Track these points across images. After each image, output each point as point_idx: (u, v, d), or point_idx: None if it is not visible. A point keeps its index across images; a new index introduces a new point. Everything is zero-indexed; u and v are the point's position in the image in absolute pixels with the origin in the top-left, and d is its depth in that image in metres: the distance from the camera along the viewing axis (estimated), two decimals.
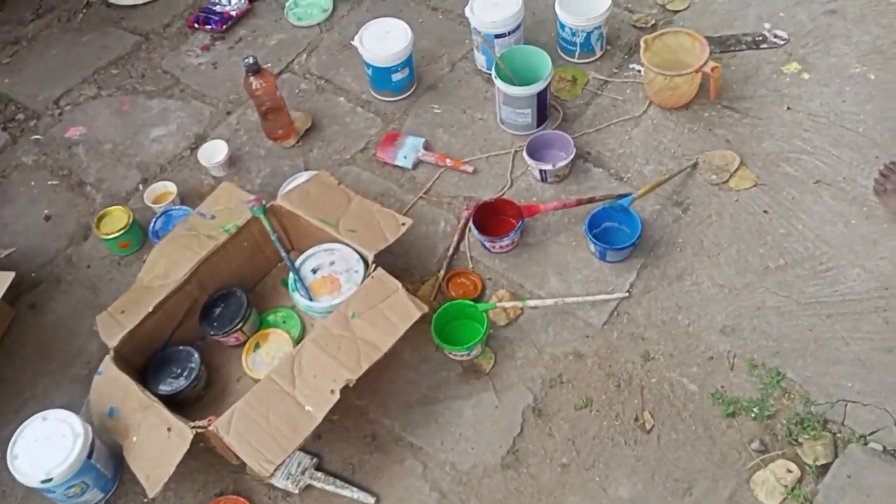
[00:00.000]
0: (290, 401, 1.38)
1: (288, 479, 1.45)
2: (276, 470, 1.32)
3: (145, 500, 1.49)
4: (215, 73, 2.21)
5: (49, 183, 2.04)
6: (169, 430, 1.38)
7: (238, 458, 1.47)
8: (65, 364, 1.70)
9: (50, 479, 1.35)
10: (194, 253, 1.61)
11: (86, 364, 1.69)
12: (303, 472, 1.46)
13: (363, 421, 1.52)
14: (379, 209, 1.65)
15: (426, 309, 1.46)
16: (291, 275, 1.58)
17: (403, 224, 1.61)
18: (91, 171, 2.04)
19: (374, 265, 1.54)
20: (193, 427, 1.37)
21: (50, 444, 1.39)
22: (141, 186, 1.99)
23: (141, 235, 1.87)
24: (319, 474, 1.45)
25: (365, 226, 1.61)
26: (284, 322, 1.67)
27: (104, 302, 1.77)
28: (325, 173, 1.75)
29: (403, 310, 1.46)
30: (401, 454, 1.47)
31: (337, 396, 1.37)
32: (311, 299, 1.53)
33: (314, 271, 1.59)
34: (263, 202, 1.66)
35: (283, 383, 1.40)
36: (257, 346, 1.64)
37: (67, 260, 1.87)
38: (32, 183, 2.04)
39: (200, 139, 2.06)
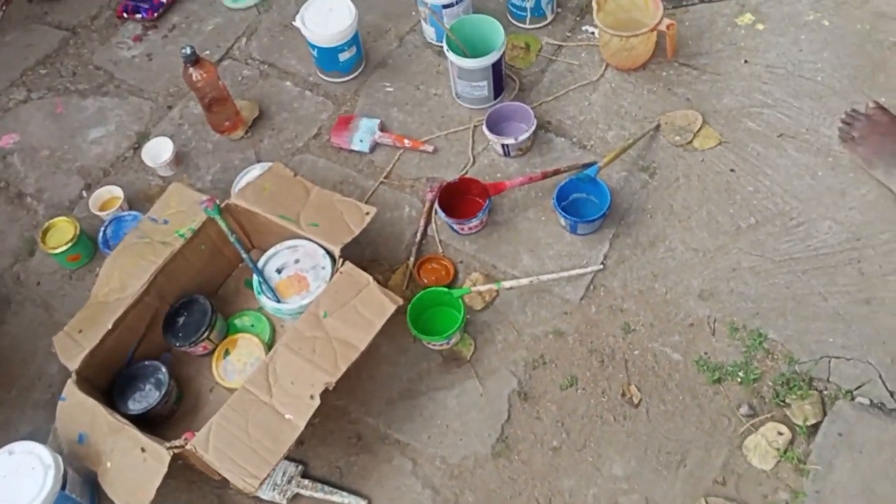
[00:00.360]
0: (269, 410, 1.33)
1: (274, 489, 1.41)
2: (261, 484, 1.27)
3: None
4: (151, 66, 2.10)
5: None
6: (144, 451, 1.32)
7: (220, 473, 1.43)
8: (24, 389, 1.62)
9: None
10: (150, 262, 1.53)
11: (47, 388, 1.62)
12: (289, 482, 1.41)
13: (346, 422, 1.48)
14: (340, 199, 1.59)
15: (400, 301, 1.41)
16: (255, 277, 1.51)
17: (367, 213, 1.55)
18: (29, 181, 1.93)
19: (341, 259, 1.48)
20: (170, 448, 1.31)
21: (20, 479, 1.32)
22: (84, 193, 1.89)
23: (90, 246, 1.78)
24: (306, 482, 1.41)
25: (327, 218, 1.55)
26: (253, 326, 1.61)
27: (59, 320, 1.69)
28: (278, 165, 1.67)
29: (377, 304, 1.41)
30: (388, 453, 1.44)
31: (317, 402, 1.32)
32: (278, 301, 1.47)
33: (279, 271, 1.52)
34: (217, 202, 1.58)
35: (260, 393, 1.35)
36: (227, 353, 1.58)
37: (15, 278, 1.78)
38: None
39: (143, 137, 1.96)
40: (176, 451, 1.31)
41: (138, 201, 1.84)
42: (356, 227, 1.53)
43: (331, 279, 1.47)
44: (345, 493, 1.39)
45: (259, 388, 1.35)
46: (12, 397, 1.61)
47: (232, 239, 1.55)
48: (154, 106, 2.02)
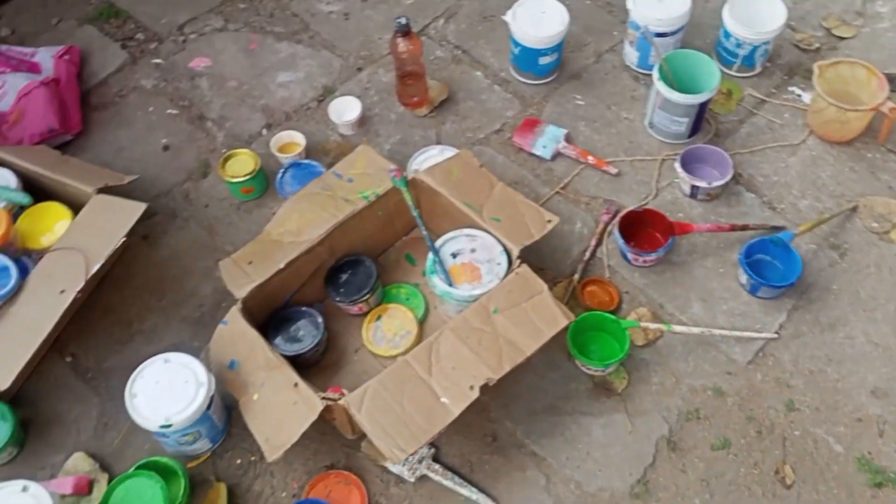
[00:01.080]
0: (426, 389, 1.32)
1: (404, 465, 1.40)
2: (407, 458, 1.26)
3: (252, 457, 1.44)
4: (347, 25, 2.13)
5: (168, 112, 1.97)
6: (297, 395, 1.33)
7: (354, 433, 1.43)
8: (175, 303, 1.65)
9: (169, 426, 1.30)
10: (330, 215, 1.54)
11: (197, 307, 1.64)
12: (420, 461, 1.40)
13: (484, 419, 1.46)
14: (523, 200, 1.58)
15: (573, 318, 1.39)
16: (430, 255, 1.51)
17: (549, 221, 1.53)
18: (214, 107, 1.97)
19: (518, 260, 1.47)
20: (324, 398, 1.31)
21: (172, 388, 1.34)
22: (264, 131, 1.92)
23: (264, 183, 1.80)
24: (437, 466, 1.40)
25: (509, 217, 1.54)
26: (408, 299, 1.61)
27: (220, 245, 1.72)
28: (468, 153, 1.67)
29: (549, 315, 1.39)
30: (522, 462, 1.41)
31: (476, 394, 1.31)
32: (450, 284, 1.46)
33: (454, 256, 1.52)
34: (405, 173, 1.59)
35: (420, 369, 1.34)
36: (379, 319, 1.58)
37: (184, 195, 1.82)
38: (151, 108, 1.98)
39: (328, 91, 1.99)
40: (329, 402, 1.31)
41: (314, 152, 1.86)
42: (536, 233, 1.51)
43: (504, 277, 1.45)
44: (474, 489, 1.37)
45: (420, 365, 1.34)
46: (162, 306, 1.64)
47: (415, 213, 1.55)
48: (344, 64, 2.04)
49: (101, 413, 1.50)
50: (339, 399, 1.32)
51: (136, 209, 1.50)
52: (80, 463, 1.43)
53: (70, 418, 1.50)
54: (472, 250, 1.51)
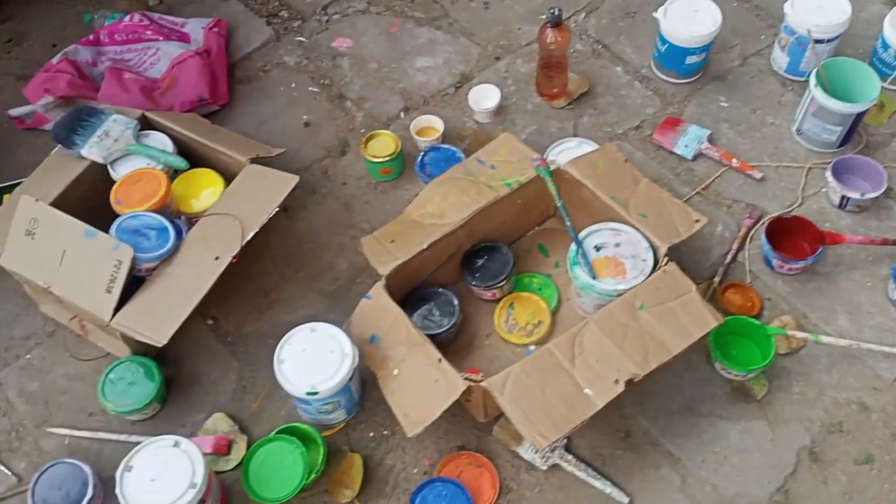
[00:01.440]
0: (568, 379, 1.32)
1: (536, 452, 1.40)
2: (550, 444, 1.26)
3: (385, 431, 1.47)
4: (486, 14, 2.14)
5: (309, 89, 2.01)
6: (439, 373, 1.34)
7: (486, 417, 1.44)
8: (312, 276, 1.68)
9: (315, 393, 1.33)
10: (472, 200, 1.55)
11: (333, 281, 1.68)
12: (552, 450, 1.40)
13: (617, 414, 1.45)
14: (669, 198, 1.56)
15: (721, 320, 1.37)
16: (573, 247, 1.50)
17: (697, 221, 1.51)
18: (354, 87, 2.01)
19: (666, 258, 1.45)
20: (466, 378, 1.32)
21: (318, 357, 1.37)
22: (402, 114, 1.95)
23: (402, 164, 1.83)
24: (570, 457, 1.40)
25: (655, 213, 1.52)
26: (540, 289, 1.61)
27: (357, 223, 1.75)
28: (612, 146, 1.66)
29: (698, 315, 1.37)
30: (656, 460, 1.40)
31: (621, 388, 1.30)
32: (594, 277, 1.46)
33: (597, 249, 1.51)
34: (549, 163, 1.58)
35: (563, 359, 1.34)
36: (511, 306, 1.58)
37: (323, 171, 1.85)
38: (293, 84, 2.03)
39: (465, 79, 2.00)
40: (471, 383, 1.32)
41: (450, 138, 1.88)
42: (684, 231, 1.49)
43: (650, 274, 1.44)
44: (608, 483, 1.36)
45: (563, 355, 1.34)
46: (299, 278, 1.68)
47: (559, 203, 1.55)
48: (482, 53, 2.05)
49: (240, 377, 1.55)
50: (482, 381, 1.32)
51: (290, 181, 1.54)
52: (219, 423, 1.47)
53: (210, 379, 1.55)
54: (617, 244, 1.50)
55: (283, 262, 1.70)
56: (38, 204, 1.45)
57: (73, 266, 1.41)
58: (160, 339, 1.35)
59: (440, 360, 1.35)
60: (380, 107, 1.96)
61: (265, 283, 1.67)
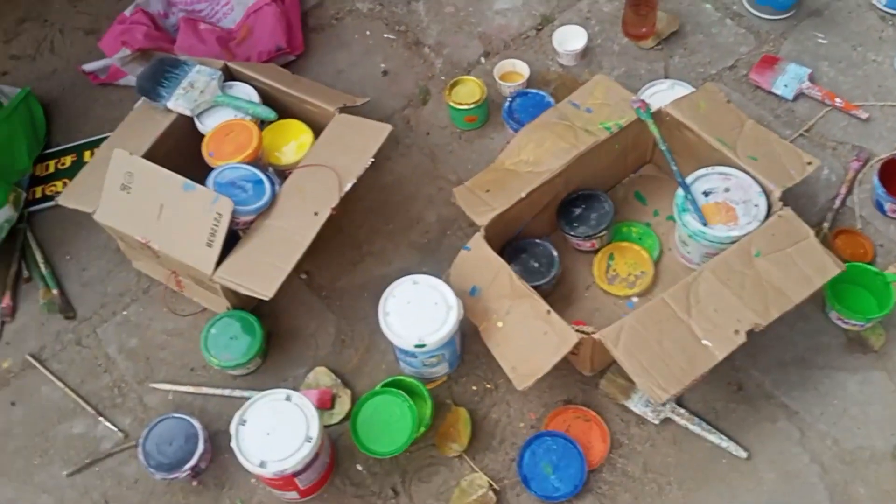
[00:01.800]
0: (685, 329, 1.28)
1: (647, 406, 1.37)
2: (671, 396, 1.23)
3: (487, 384, 1.44)
4: None
5: (385, 36, 1.96)
6: (548, 325, 1.30)
7: (593, 370, 1.40)
8: (402, 228, 1.65)
9: (423, 346, 1.31)
10: (570, 145, 1.50)
11: (423, 233, 1.64)
12: (664, 403, 1.36)
13: (728, 367, 1.40)
14: (777, 140, 1.49)
15: (844, 267, 1.31)
16: (679, 192, 1.45)
17: (810, 163, 1.44)
18: (431, 33, 1.94)
19: (781, 203, 1.39)
20: (578, 331, 1.29)
21: (423, 310, 1.34)
22: (482, 60, 1.88)
23: (487, 112, 1.77)
24: (682, 410, 1.36)
25: (765, 155, 1.45)
26: (640, 239, 1.56)
27: (442, 173, 1.71)
28: (712, 86, 1.59)
29: (818, 262, 1.31)
30: (772, 413, 1.36)
31: (742, 339, 1.25)
32: (704, 224, 1.40)
33: (706, 194, 1.45)
34: (649, 105, 1.52)
35: (678, 309, 1.30)
36: (611, 257, 1.54)
37: (405, 121, 1.81)
38: (368, 32, 1.97)
39: (546, 20, 1.93)
40: (582, 335, 1.28)
41: (534, 82, 1.81)
42: (797, 174, 1.43)
43: (765, 220, 1.38)
44: (723, 436, 1.33)
45: (678, 305, 1.30)
46: (389, 230, 1.65)
47: (663, 147, 1.49)
48: None
49: (338, 330, 1.53)
50: (593, 333, 1.29)
51: (383, 130, 1.50)
52: (321, 377, 1.46)
53: (308, 333, 1.53)
54: (727, 189, 1.44)
55: (372, 214, 1.67)
56: (133, 157, 1.42)
57: (171, 220, 1.39)
58: (266, 292, 1.32)
59: (549, 311, 1.31)
60: (459, 52, 1.90)
61: (356, 235, 1.64)
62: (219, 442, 1.39)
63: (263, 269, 1.36)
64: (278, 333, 1.52)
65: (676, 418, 1.35)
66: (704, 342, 1.26)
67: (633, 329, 1.28)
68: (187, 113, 1.55)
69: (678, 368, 1.24)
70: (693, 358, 1.25)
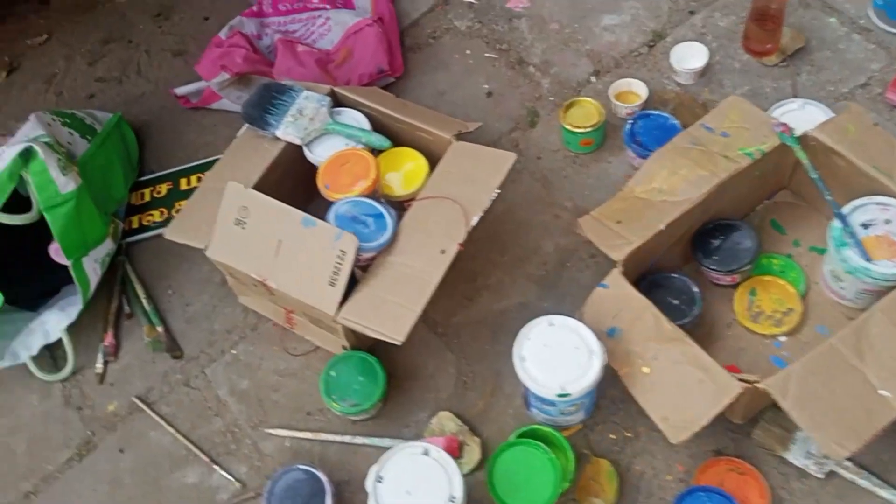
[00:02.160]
0: (859, 377, 1.16)
1: (808, 458, 1.25)
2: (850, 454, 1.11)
3: (627, 433, 1.34)
4: None
5: (486, 55, 1.87)
6: (701, 371, 1.20)
7: (743, 418, 1.29)
8: (518, 259, 1.56)
9: (567, 395, 1.21)
10: (710, 173, 1.39)
11: (541, 265, 1.55)
12: (827, 456, 1.24)
13: None
14: None
15: None
16: (835, 224, 1.33)
17: None
18: (535, 51, 1.85)
19: None
20: (742, 380, 1.18)
21: (562, 354, 1.24)
22: (593, 78, 1.79)
23: (604, 135, 1.67)
24: (848, 463, 1.24)
25: None
26: (783, 272, 1.45)
27: (557, 200, 1.62)
28: (858, 108, 1.46)
29: None
30: None
31: None
32: (868, 259, 1.28)
33: (865, 227, 1.33)
34: (794, 130, 1.41)
35: (850, 355, 1.18)
36: (752, 292, 1.43)
37: (514, 145, 1.72)
38: (468, 52, 1.89)
39: (658, 36, 1.82)
40: (747, 384, 1.17)
41: (651, 102, 1.71)
42: None
43: None
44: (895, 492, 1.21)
45: (849, 350, 1.18)
46: (505, 262, 1.56)
47: (814, 175, 1.37)
48: (673, 7, 1.87)
49: (459, 371, 1.44)
50: (757, 382, 1.18)
51: (507, 158, 1.41)
52: (445, 423, 1.37)
53: (426, 373, 1.44)
54: (887, 221, 1.32)
55: (486, 244, 1.58)
56: (248, 191, 1.35)
57: (290, 258, 1.31)
58: (398, 336, 1.24)
59: (703, 367, 1.20)
60: (567, 71, 1.80)
61: (470, 268, 1.55)
62: (342, 492, 1.30)
63: (391, 310, 1.28)
64: (396, 374, 1.44)
65: (842, 471, 1.24)
66: (882, 392, 1.14)
67: (801, 378, 1.17)
68: (297, 142, 1.47)
69: (856, 422, 1.13)
70: (871, 410, 1.14)
